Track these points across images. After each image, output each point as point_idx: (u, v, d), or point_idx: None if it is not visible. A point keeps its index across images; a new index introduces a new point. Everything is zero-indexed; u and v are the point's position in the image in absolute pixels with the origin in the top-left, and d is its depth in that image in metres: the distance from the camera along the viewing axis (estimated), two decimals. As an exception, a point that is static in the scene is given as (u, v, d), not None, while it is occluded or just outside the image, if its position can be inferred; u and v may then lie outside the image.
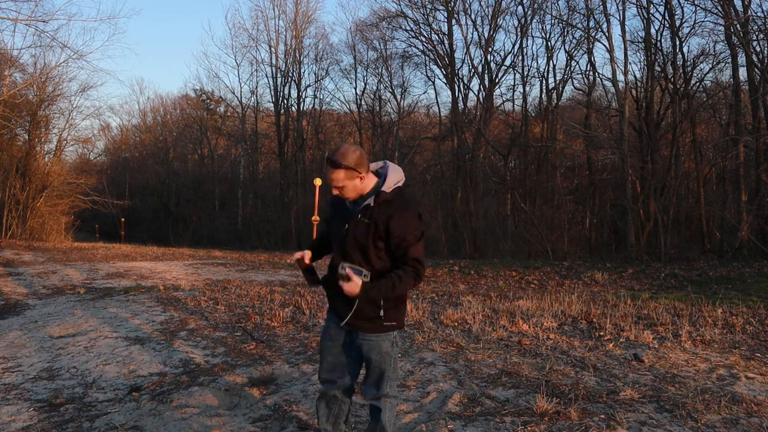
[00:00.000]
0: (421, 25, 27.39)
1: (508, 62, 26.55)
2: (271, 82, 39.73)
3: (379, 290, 2.56)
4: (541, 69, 28.15)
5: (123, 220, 40.90)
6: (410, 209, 2.61)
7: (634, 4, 19.83)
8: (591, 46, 22.69)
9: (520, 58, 25.97)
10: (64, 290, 9.36)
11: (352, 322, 2.71)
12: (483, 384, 4.16)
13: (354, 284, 2.50)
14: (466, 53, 35.71)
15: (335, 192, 2.66)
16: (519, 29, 25.34)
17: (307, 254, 2.90)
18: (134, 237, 39.66)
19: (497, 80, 26.73)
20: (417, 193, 29.64)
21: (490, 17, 25.92)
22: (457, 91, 27.04)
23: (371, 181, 2.65)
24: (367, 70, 33.98)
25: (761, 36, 16.89)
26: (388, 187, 2.62)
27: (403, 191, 2.67)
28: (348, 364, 2.86)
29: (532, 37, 32.26)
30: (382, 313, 2.68)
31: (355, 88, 36.88)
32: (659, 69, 19.89)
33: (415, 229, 2.60)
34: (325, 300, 7.90)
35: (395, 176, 2.65)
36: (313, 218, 19.89)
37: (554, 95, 25.80)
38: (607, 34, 19.97)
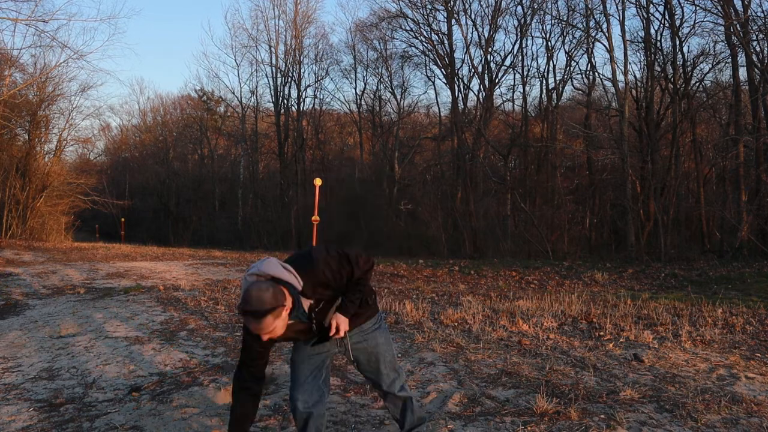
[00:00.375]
0: (421, 25, 27.42)
1: (508, 62, 26.58)
2: (271, 82, 39.75)
3: (354, 305, 2.57)
4: (541, 69, 28.15)
5: (123, 220, 40.92)
6: (315, 258, 2.49)
7: (633, 4, 19.84)
8: (591, 46, 22.71)
9: (520, 58, 25.98)
10: (64, 290, 9.36)
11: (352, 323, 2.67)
12: (483, 384, 4.16)
13: (342, 323, 2.50)
14: (466, 53, 35.73)
15: (265, 338, 2.39)
16: (519, 29, 25.34)
17: None
18: (134, 237, 39.66)
19: (497, 80, 26.75)
20: (417, 193, 29.71)
21: (490, 17, 25.94)
22: (457, 91, 27.06)
23: (287, 296, 2.39)
24: (367, 70, 34.01)
25: (761, 36, 16.90)
26: (296, 282, 2.41)
27: (294, 262, 2.49)
28: (327, 378, 2.78)
29: (532, 37, 32.22)
30: (369, 301, 2.76)
31: (355, 88, 36.91)
32: (659, 69, 19.89)
33: (334, 254, 2.53)
34: None
35: (279, 271, 2.40)
36: (313, 218, 19.93)
37: (554, 95, 25.81)
38: (606, 34, 19.99)
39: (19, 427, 3.63)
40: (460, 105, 27.38)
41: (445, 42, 26.86)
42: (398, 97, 33.07)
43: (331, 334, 2.51)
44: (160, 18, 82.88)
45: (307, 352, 2.72)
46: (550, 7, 24.48)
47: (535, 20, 25.27)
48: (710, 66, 20.07)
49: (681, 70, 19.46)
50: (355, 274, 2.54)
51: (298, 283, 2.40)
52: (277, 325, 2.33)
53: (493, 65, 26.59)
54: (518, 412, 3.56)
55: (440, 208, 26.29)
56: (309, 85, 35.74)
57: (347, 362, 2.85)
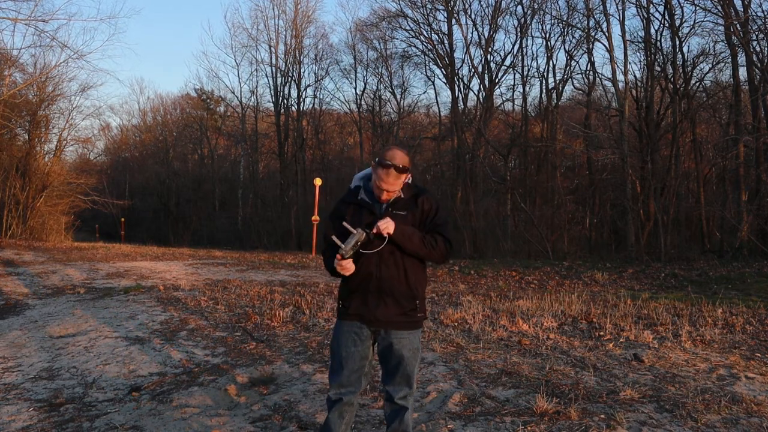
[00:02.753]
0: (421, 25, 27.42)
1: (508, 62, 26.58)
2: (271, 82, 39.72)
3: (410, 238, 2.67)
4: (541, 69, 28.16)
5: (123, 220, 40.92)
6: (429, 194, 2.82)
7: (633, 4, 19.84)
8: (591, 46, 22.70)
9: (520, 58, 25.99)
10: (64, 290, 9.36)
11: (386, 320, 2.71)
12: (483, 384, 4.16)
13: (387, 221, 2.61)
14: (466, 53, 35.68)
15: (385, 196, 2.70)
16: (519, 29, 25.34)
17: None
18: (134, 237, 39.66)
19: (497, 80, 26.75)
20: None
21: (490, 17, 25.94)
22: (457, 91, 27.06)
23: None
24: (367, 70, 34.02)
25: (761, 36, 16.88)
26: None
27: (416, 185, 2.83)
28: (365, 368, 2.81)
29: (532, 37, 32.23)
30: (417, 302, 2.77)
31: (355, 88, 36.90)
32: (659, 69, 19.88)
33: (443, 211, 2.78)
34: (332, 305, 7.89)
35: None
36: (313, 218, 19.94)
37: (554, 95, 25.81)
38: (606, 34, 19.98)
39: (19, 427, 3.63)
40: (460, 105, 27.40)
41: (445, 42, 26.87)
42: (398, 97, 33.12)
43: (374, 231, 2.59)
44: (160, 18, 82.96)
45: (357, 337, 2.76)
46: (550, 7, 24.52)
47: (535, 20, 25.30)
48: (710, 66, 20.10)
49: (681, 70, 19.46)
50: (443, 231, 2.73)
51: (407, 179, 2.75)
52: (398, 184, 2.68)
53: (493, 65, 26.63)
54: (518, 412, 3.56)
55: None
56: (309, 85, 35.79)
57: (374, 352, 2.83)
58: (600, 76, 23.01)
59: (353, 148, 39.76)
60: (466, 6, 26.78)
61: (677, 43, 19.11)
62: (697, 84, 20.27)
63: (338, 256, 2.60)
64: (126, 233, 40.56)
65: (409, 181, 2.79)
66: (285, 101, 35.49)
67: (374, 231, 2.58)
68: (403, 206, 2.72)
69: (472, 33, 27.21)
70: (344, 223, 2.64)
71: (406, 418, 2.82)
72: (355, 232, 2.57)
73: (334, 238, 2.65)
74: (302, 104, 35.74)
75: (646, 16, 19.41)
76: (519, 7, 25.46)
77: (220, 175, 43.96)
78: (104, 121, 63.93)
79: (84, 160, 41.94)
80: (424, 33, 27.55)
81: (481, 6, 40.59)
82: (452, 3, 25.85)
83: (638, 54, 27.86)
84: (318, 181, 21.20)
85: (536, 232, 21.08)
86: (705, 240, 18.66)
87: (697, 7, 18.95)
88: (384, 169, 2.63)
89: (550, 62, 25.53)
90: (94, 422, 3.66)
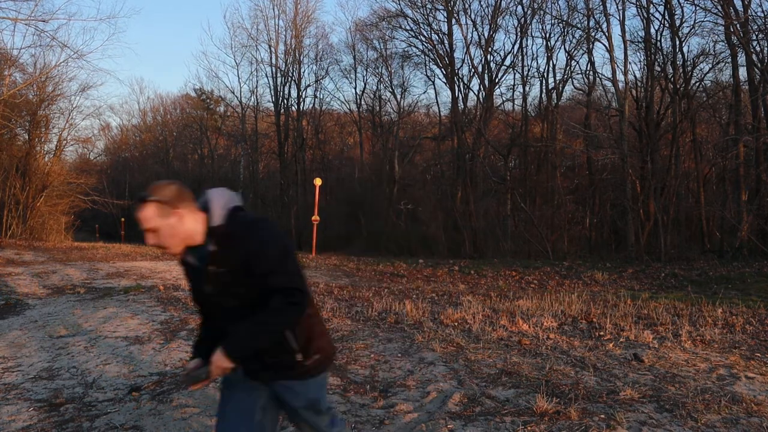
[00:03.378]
0: (421, 24, 27.42)
1: (508, 62, 26.57)
2: (270, 82, 39.75)
3: (247, 342, 2.01)
4: (541, 69, 28.17)
5: (123, 219, 40.92)
6: (262, 231, 2.03)
7: (633, 4, 19.84)
8: (591, 46, 22.68)
9: (520, 58, 25.97)
10: (64, 290, 9.36)
11: (270, 378, 2.17)
12: (483, 384, 4.16)
13: (217, 366, 2.02)
14: (466, 53, 35.72)
15: (151, 242, 2.04)
16: (519, 29, 25.34)
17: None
18: (134, 237, 39.62)
19: (497, 80, 26.74)
20: (417, 193, 29.71)
21: (490, 17, 25.93)
22: (457, 91, 27.06)
23: (198, 220, 2.04)
24: (367, 70, 34.01)
25: (761, 36, 16.89)
26: (219, 216, 2.03)
27: (238, 213, 2.07)
28: (265, 424, 2.23)
29: (532, 37, 32.27)
30: (299, 356, 2.12)
31: (355, 88, 36.96)
32: (659, 69, 19.88)
33: (278, 255, 2.00)
34: (332, 305, 7.89)
35: (220, 199, 2.07)
36: (313, 218, 19.97)
37: (554, 95, 25.80)
38: (607, 34, 19.99)
39: (19, 427, 3.63)
40: (460, 105, 27.40)
41: (445, 42, 26.87)
42: (398, 96, 33.09)
43: (189, 385, 2.12)
44: (160, 18, 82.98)
45: (242, 387, 2.21)
46: (550, 7, 24.51)
47: (535, 20, 25.29)
48: (710, 66, 20.09)
49: (681, 70, 19.46)
50: (264, 279, 1.97)
51: (217, 215, 2.04)
52: (161, 227, 1.98)
53: (493, 65, 26.62)
54: (518, 412, 3.56)
55: (440, 208, 26.28)
56: (309, 85, 35.76)
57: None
58: (600, 76, 23.03)
59: (353, 148, 39.76)
60: (466, 6, 26.80)
61: (677, 43, 19.12)
62: (697, 84, 20.29)
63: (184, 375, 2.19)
64: (126, 233, 40.56)
65: (217, 220, 2.03)
66: (285, 101, 35.50)
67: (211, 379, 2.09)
68: (220, 260, 2.01)
69: (472, 33, 27.25)
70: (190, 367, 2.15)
71: None
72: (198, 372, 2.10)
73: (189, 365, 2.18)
74: (302, 104, 35.76)
75: (646, 16, 19.43)
76: (519, 7, 25.50)
77: (220, 175, 43.94)
78: (104, 121, 63.97)
79: (84, 160, 41.98)
80: (424, 33, 27.58)
81: (481, 6, 40.64)
82: (452, 3, 25.85)
83: (638, 54, 27.90)
84: (318, 181, 21.23)
85: (536, 232, 21.08)
86: (705, 240, 18.66)
87: (697, 7, 19.04)
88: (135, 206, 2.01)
89: (550, 62, 25.55)
90: (94, 422, 3.66)
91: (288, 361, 2.12)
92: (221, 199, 2.07)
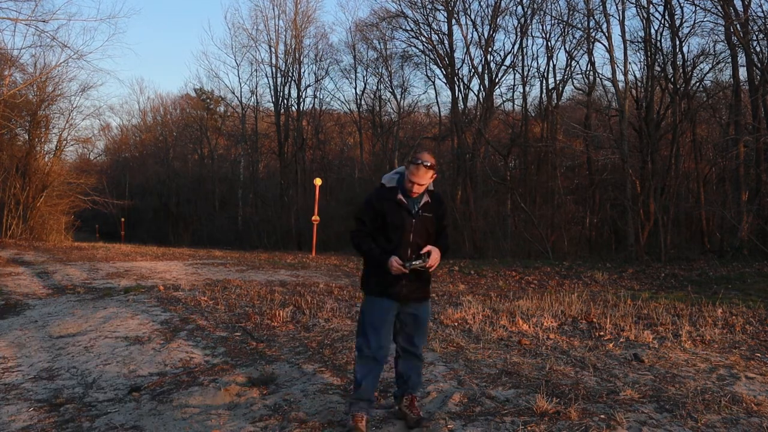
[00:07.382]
0: (421, 25, 27.39)
1: (508, 62, 26.55)
2: (271, 82, 39.76)
3: (445, 251, 3.44)
4: (541, 69, 28.09)
5: (123, 219, 40.96)
6: (440, 195, 3.52)
7: (633, 4, 19.80)
8: (591, 46, 22.64)
9: (520, 58, 25.95)
10: (64, 290, 9.36)
11: (414, 297, 3.40)
12: (483, 384, 4.16)
13: (435, 257, 3.29)
14: (466, 53, 35.71)
15: (416, 189, 3.29)
16: (519, 29, 25.32)
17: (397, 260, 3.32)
18: (134, 237, 39.71)
19: (497, 80, 26.73)
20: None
21: (490, 17, 25.90)
22: (457, 91, 27.04)
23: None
24: (367, 70, 34.03)
25: (761, 36, 16.88)
26: (430, 184, 3.41)
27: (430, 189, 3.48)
28: (390, 333, 3.48)
29: (532, 37, 32.15)
30: (429, 287, 3.61)
31: (355, 88, 36.92)
32: (659, 69, 19.86)
33: (448, 210, 3.65)
34: (332, 305, 7.90)
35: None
36: (313, 218, 19.94)
37: (554, 95, 25.79)
38: (607, 34, 19.95)
39: (19, 427, 3.63)
40: (460, 105, 27.37)
41: (445, 42, 26.86)
42: (398, 97, 33.10)
43: (428, 265, 3.28)
44: (160, 18, 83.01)
45: (388, 310, 3.41)
46: (550, 7, 24.46)
47: (535, 20, 25.27)
48: (710, 66, 20.09)
49: (681, 70, 19.45)
50: (443, 227, 3.53)
51: (432, 189, 3.47)
52: (426, 181, 3.30)
53: (493, 65, 26.61)
54: (518, 412, 3.56)
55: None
56: (309, 85, 35.78)
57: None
58: (600, 76, 23.01)
59: (353, 148, 39.77)
60: (466, 6, 26.75)
61: (677, 43, 19.10)
62: (697, 84, 20.28)
63: (399, 265, 3.24)
64: (126, 233, 40.61)
65: (431, 187, 3.40)
66: (285, 101, 35.51)
67: (428, 265, 3.28)
68: (429, 209, 3.39)
69: (472, 33, 27.20)
70: (416, 262, 3.26)
71: (419, 366, 3.63)
72: (420, 263, 3.27)
73: (415, 263, 3.28)
74: (302, 104, 35.77)
75: (646, 16, 19.40)
76: (519, 7, 25.46)
77: (220, 175, 43.96)
78: (104, 121, 64.07)
79: (84, 160, 41.95)
80: (424, 33, 27.55)
81: (481, 6, 40.56)
82: (452, 3, 25.84)
83: (638, 54, 27.92)
84: (318, 181, 21.21)
85: (536, 232, 21.08)
86: (705, 240, 18.67)
87: (697, 7, 18.99)
88: (416, 166, 3.24)
89: (551, 62, 25.54)
90: (94, 422, 3.66)
91: (426, 288, 3.53)
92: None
